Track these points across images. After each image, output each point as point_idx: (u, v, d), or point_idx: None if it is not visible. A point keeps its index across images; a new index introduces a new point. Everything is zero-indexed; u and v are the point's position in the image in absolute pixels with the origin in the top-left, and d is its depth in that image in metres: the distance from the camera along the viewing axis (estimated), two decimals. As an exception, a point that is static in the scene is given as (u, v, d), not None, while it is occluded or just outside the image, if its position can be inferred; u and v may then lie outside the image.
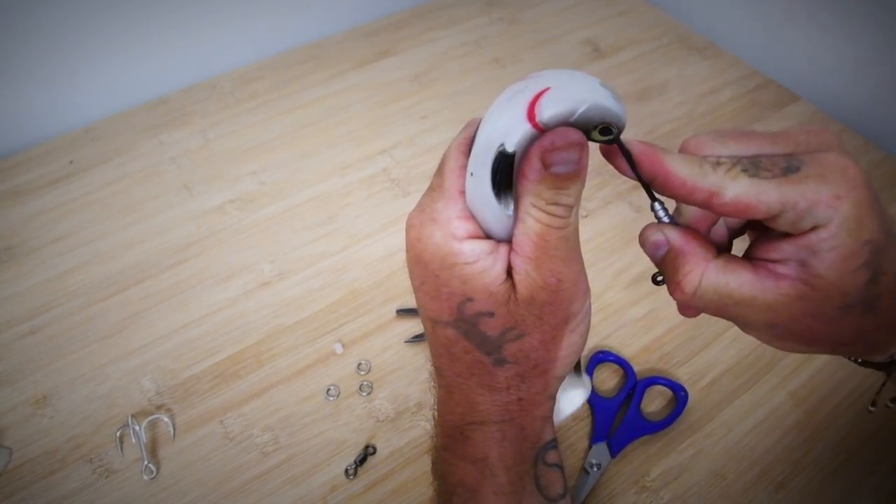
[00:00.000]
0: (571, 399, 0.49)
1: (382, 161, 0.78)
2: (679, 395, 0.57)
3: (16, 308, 0.64)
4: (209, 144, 0.80)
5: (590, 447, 0.55)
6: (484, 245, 0.31)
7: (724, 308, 0.31)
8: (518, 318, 0.32)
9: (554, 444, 0.36)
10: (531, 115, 0.28)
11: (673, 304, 0.65)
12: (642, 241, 0.33)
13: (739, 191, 0.28)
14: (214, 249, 0.69)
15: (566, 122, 0.28)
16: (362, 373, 0.60)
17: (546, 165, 0.29)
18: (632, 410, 0.57)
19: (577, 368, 0.48)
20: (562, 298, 0.32)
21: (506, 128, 0.29)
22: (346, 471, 0.54)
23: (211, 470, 0.54)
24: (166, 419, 0.56)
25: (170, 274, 0.67)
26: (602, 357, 0.60)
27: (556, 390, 0.36)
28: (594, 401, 0.57)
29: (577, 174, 0.29)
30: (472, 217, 0.32)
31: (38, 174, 0.77)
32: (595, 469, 0.54)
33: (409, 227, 0.33)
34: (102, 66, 0.83)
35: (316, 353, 0.61)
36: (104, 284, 0.66)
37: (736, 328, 0.62)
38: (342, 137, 0.81)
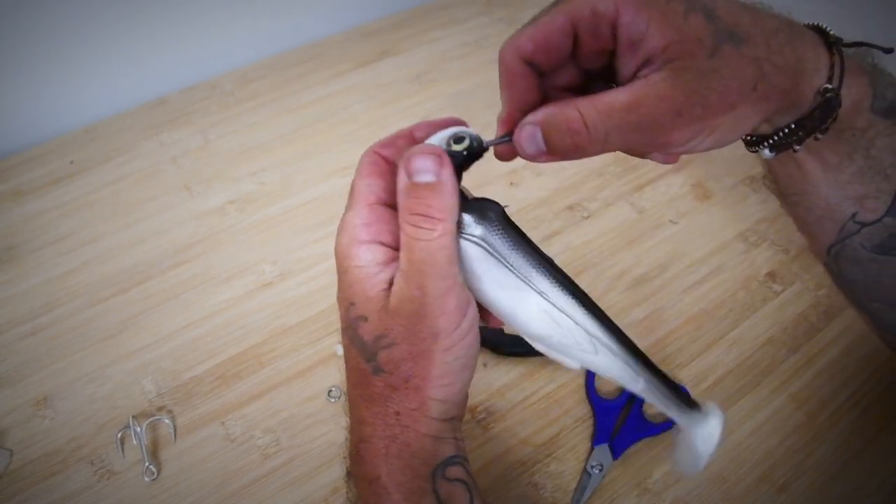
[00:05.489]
0: (703, 439, 0.39)
1: (383, 161, 0.78)
2: (681, 397, 0.57)
3: (16, 308, 0.64)
4: (209, 145, 0.80)
5: (592, 449, 0.55)
6: (378, 254, 0.34)
7: (623, 125, 0.30)
8: (388, 326, 0.33)
9: (456, 460, 0.36)
10: None
11: (674, 306, 0.65)
12: (520, 144, 0.33)
13: None
14: (215, 250, 0.69)
15: None
16: (364, 374, 0.60)
17: (408, 175, 0.32)
18: (634, 412, 0.57)
19: (691, 404, 0.39)
20: (427, 312, 0.32)
21: None
22: (348, 473, 0.54)
23: (212, 472, 0.54)
24: (167, 420, 0.56)
25: (171, 274, 0.67)
26: (604, 359, 0.60)
27: (442, 413, 0.35)
28: (596, 402, 0.57)
29: (434, 186, 0.31)
30: (377, 223, 0.34)
31: (38, 174, 0.77)
32: (597, 471, 0.54)
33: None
34: (103, 66, 0.82)
35: (317, 354, 0.61)
36: (105, 285, 0.66)
37: (736, 331, 0.62)
38: (343, 137, 0.81)
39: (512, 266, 0.34)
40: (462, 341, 0.34)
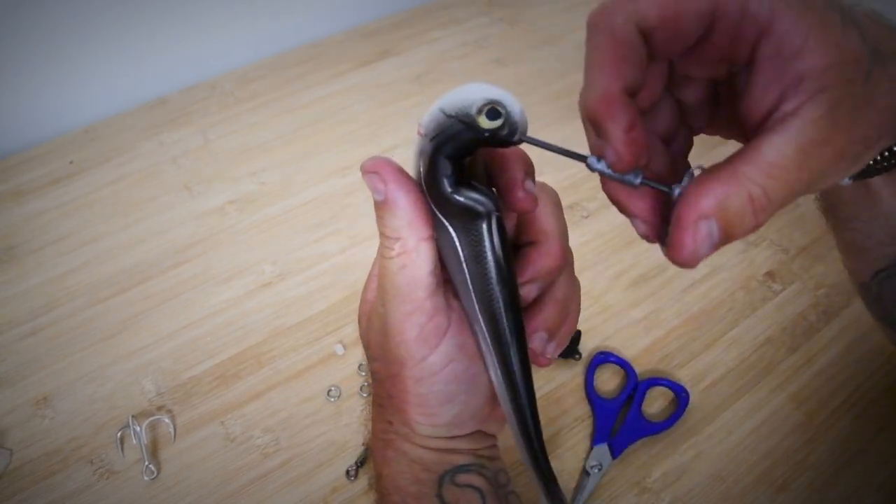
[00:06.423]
0: None
1: (383, 161, 0.78)
2: (680, 397, 0.57)
3: (17, 308, 0.64)
4: (209, 145, 0.80)
5: (591, 448, 0.55)
6: None
7: (796, 188, 0.24)
8: (367, 339, 0.33)
9: (468, 468, 0.34)
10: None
11: (673, 306, 0.65)
12: (692, 249, 0.24)
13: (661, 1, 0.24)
14: (215, 250, 0.69)
15: (446, 130, 0.28)
16: (363, 374, 0.60)
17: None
18: (633, 412, 0.57)
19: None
20: (389, 332, 0.31)
21: None
22: (348, 472, 0.54)
23: (212, 471, 0.54)
24: (167, 420, 0.56)
25: (171, 274, 0.67)
26: (603, 358, 0.60)
27: (436, 433, 0.33)
28: (595, 402, 0.57)
29: (383, 204, 0.29)
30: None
31: (38, 174, 0.77)
32: (596, 470, 0.54)
33: None
34: (103, 66, 0.82)
35: (317, 354, 0.61)
36: (105, 285, 0.66)
37: (735, 331, 0.62)
38: (343, 138, 0.81)
39: (467, 273, 0.29)
40: (434, 377, 0.31)
